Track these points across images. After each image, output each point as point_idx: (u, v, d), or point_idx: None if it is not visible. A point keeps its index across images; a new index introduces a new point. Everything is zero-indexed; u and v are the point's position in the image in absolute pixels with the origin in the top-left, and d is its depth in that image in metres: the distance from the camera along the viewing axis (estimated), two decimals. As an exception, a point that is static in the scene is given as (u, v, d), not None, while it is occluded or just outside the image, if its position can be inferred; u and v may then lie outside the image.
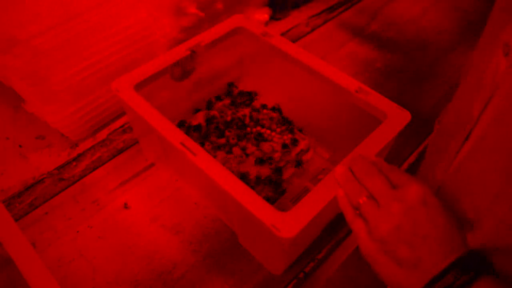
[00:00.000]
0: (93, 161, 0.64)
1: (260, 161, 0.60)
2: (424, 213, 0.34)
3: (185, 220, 0.57)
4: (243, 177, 0.59)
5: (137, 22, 0.64)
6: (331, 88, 0.55)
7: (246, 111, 0.68)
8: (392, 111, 0.50)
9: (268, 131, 0.65)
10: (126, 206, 0.59)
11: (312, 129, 0.66)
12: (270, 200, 0.58)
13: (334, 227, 0.57)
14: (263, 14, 0.87)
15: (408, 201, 0.35)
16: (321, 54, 0.83)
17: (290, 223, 0.40)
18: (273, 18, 0.90)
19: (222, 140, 0.63)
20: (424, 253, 0.33)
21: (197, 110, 0.69)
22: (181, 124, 0.66)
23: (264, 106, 0.70)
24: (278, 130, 0.66)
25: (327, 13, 0.94)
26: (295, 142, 0.64)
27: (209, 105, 0.69)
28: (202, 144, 0.63)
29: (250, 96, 0.71)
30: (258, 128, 0.65)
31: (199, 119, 0.67)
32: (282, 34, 0.87)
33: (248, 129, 0.65)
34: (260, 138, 0.64)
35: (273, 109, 0.69)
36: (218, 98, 0.70)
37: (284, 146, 0.63)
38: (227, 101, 0.70)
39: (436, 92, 0.78)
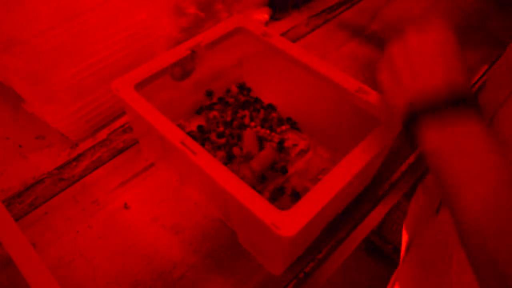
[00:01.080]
0: (93, 161, 0.64)
1: (262, 178, 0.60)
2: (434, 39, 0.36)
3: (185, 220, 0.57)
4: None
5: (137, 22, 0.64)
6: (331, 88, 0.55)
7: (246, 111, 0.68)
8: (392, 111, 0.50)
9: (268, 131, 0.65)
10: (126, 206, 0.59)
11: (312, 129, 0.66)
12: (270, 199, 0.58)
13: (334, 227, 0.57)
14: (263, 14, 0.87)
15: (423, 30, 0.37)
16: (321, 54, 0.83)
17: (291, 222, 0.40)
18: (273, 18, 0.90)
19: (222, 140, 0.63)
20: (422, 68, 0.35)
21: (197, 111, 0.69)
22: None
23: (264, 106, 0.70)
24: (278, 130, 0.66)
25: (327, 13, 0.94)
26: (277, 127, 0.66)
27: (209, 105, 0.69)
28: (202, 145, 0.63)
29: (250, 96, 0.71)
30: (258, 128, 0.65)
31: (199, 119, 0.67)
32: (282, 34, 0.87)
33: (248, 129, 0.65)
34: (260, 138, 0.64)
35: (273, 109, 0.69)
36: (218, 98, 0.70)
37: (281, 141, 0.63)
38: (227, 101, 0.70)
39: (436, 92, 0.78)
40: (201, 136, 0.64)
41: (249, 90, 0.72)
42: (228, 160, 0.61)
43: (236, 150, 0.62)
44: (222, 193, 0.44)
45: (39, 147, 0.66)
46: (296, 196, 0.58)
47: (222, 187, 0.43)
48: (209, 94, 0.70)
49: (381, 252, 1.38)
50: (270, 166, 0.60)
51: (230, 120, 0.66)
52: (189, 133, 0.65)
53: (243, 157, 0.61)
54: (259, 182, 0.59)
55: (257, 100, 0.71)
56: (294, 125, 0.67)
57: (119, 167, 0.63)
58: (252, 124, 0.66)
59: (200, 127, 0.65)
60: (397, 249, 1.30)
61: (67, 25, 0.56)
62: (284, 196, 0.59)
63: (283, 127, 0.66)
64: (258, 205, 0.41)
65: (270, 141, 0.64)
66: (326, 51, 0.84)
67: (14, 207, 0.58)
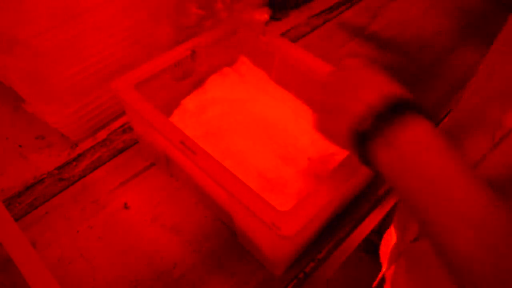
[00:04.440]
0: (93, 161, 0.64)
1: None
2: (352, 72, 0.40)
3: (185, 220, 0.57)
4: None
5: (137, 22, 0.64)
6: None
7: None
8: (392, 111, 0.50)
9: (268, 131, 0.65)
10: (126, 206, 0.59)
11: (312, 129, 0.66)
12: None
13: (334, 227, 0.57)
14: (263, 14, 0.87)
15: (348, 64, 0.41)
16: (321, 54, 0.83)
17: (290, 222, 0.40)
18: (273, 18, 0.90)
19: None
20: (348, 99, 0.36)
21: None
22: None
23: (264, 106, 0.70)
24: (278, 130, 0.66)
25: (327, 13, 0.94)
26: None
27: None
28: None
29: (250, 96, 0.71)
30: (258, 128, 0.65)
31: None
32: (282, 34, 0.87)
33: (248, 129, 0.65)
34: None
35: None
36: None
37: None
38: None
39: (436, 92, 0.78)
40: None
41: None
42: None
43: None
44: (222, 192, 0.44)
45: (39, 147, 0.66)
46: None
47: (222, 186, 0.43)
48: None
49: (381, 252, 1.38)
50: None
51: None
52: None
53: None
54: None
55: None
56: (294, 125, 0.67)
57: (119, 167, 0.63)
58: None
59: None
60: (397, 249, 1.30)
61: (67, 25, 0.56)
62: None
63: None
64: (258, 204, 0.41)
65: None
66: (326, 51, 0.84)
67: (14, 207, 0.58)
